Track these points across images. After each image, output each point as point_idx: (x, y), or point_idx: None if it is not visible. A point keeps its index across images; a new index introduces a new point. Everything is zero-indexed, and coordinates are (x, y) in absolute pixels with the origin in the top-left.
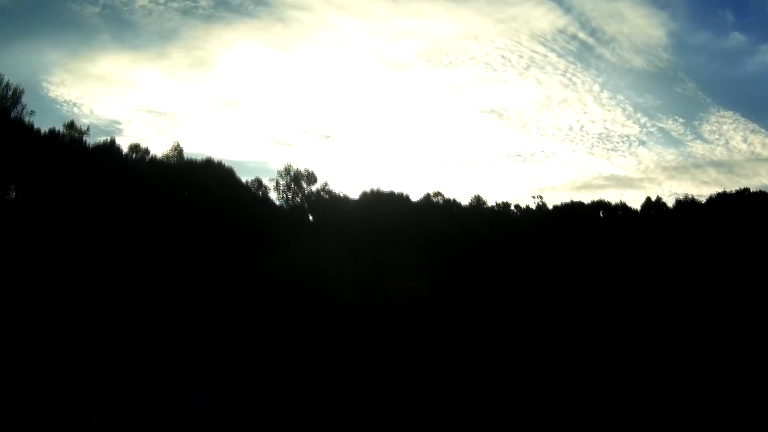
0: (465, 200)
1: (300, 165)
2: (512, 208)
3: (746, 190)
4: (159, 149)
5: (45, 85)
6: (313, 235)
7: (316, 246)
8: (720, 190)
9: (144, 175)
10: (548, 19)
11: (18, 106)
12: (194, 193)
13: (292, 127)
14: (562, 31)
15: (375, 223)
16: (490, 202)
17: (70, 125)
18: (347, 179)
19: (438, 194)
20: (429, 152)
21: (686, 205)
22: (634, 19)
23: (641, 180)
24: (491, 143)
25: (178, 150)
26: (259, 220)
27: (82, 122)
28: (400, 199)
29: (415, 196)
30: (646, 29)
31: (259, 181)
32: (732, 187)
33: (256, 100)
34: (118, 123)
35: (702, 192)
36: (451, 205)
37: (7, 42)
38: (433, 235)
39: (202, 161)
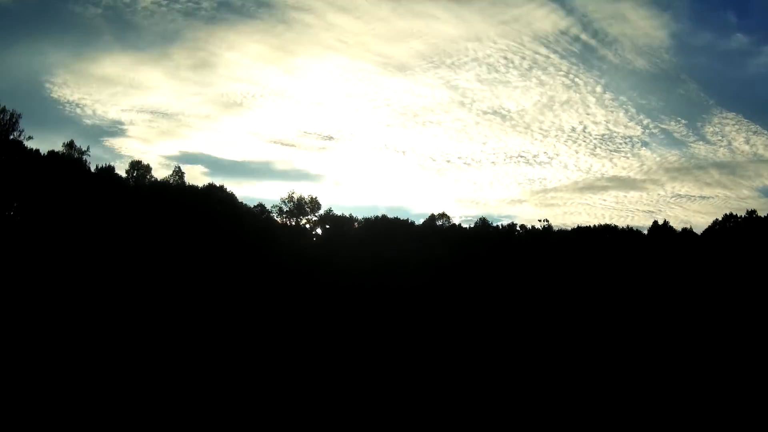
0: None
1: (302, 166)
2: (518, 228)
3: (753, 212)
4: (161, 151)
5: (48, 86)
6: (317, 261)
7: (320, 273)
8: (722, 191)
9: (145, 201)
10: (551, 21)
11: (15, 131)
12: (196, 220)
13: (295, 128)
14: (564, 33)
15: (378, 253)
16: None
17: (70, 144)
18: (350, 180)
19: (442, 215)
20: (432, 153)
21: (691, 232)
22: (636, 20)
23: (644, 181)
24: (494, 144)
25: (179, 174)
26: (261, 246)
27: (85, 123)
28: (404, 225)
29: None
30: (649, 31)
31: (261, 206)
32: (734, 187)
33: (259, 101)
34: (121, 124)
35: (704, 193)
36: (456, 230)
37: (11, 43)
38: (435, 264)
39: (204, 187)
